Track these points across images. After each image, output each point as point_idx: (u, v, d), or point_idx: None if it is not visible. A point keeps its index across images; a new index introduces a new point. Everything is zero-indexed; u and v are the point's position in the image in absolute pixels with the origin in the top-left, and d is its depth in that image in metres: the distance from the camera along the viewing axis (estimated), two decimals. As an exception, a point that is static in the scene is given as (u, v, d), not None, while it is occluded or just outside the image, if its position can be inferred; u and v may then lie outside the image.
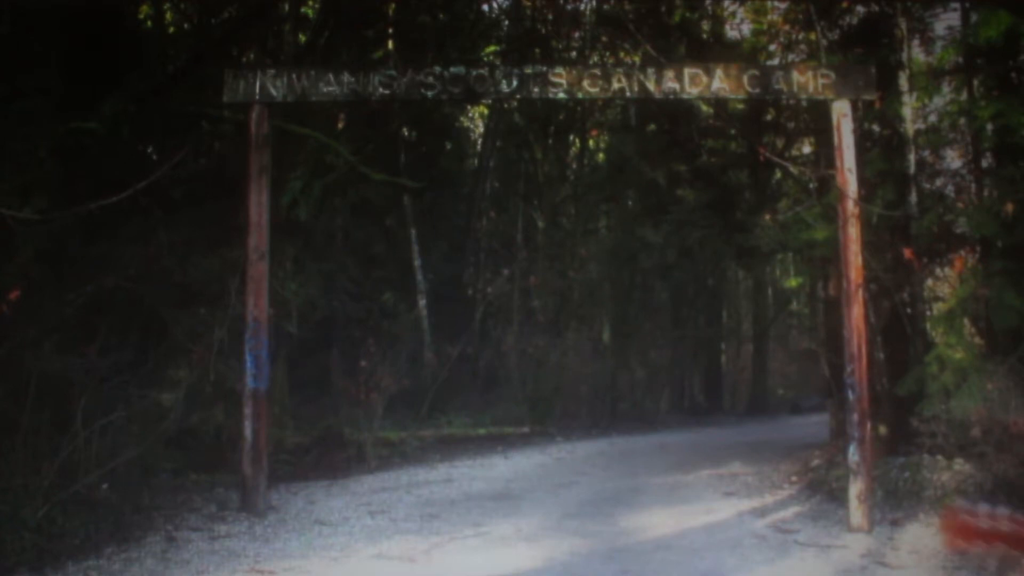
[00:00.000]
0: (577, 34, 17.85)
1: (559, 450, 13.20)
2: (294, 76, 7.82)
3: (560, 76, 7.88)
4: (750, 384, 25.70)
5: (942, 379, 7.69)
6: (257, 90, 7.76)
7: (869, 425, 7.43)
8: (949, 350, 7.92)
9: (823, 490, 8.70)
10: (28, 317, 6.84)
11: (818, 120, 10.99)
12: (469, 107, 19.67)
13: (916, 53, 10.50)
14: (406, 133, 16.86)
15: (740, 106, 13.80)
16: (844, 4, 10.40)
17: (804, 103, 11.01)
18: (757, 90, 7.89)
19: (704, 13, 15.04)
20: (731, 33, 15.73)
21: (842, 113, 7.64)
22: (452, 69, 8.01)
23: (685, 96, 8.14)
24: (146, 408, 7.73)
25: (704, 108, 13.84)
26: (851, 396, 7.41)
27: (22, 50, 7.79)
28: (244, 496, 7.68)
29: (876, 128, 10.37)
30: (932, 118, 10.94)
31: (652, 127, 16.87)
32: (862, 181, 7.87)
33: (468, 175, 20.38)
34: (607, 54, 17.31)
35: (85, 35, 8.30)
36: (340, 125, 13.72)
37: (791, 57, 12.90)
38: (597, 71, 8.11)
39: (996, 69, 8.93)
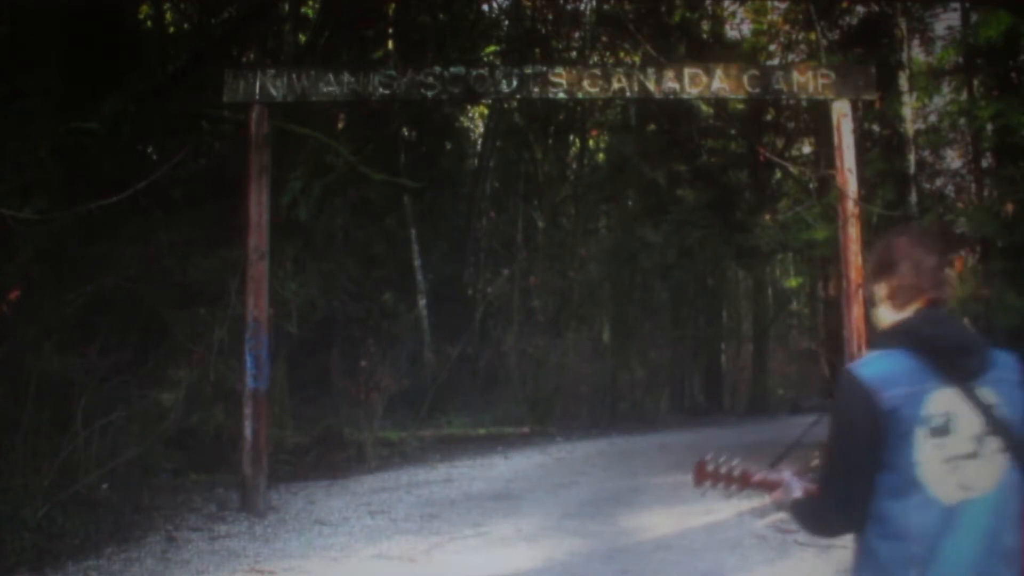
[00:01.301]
0: (577, 34, 17.84)
1: (559, 450, 13.19)
2: (294, 76, 7.82)
3: (560, 76, 7.88)
4: (750, 384, 25.69)
5: (942, 379, 7.69)
6: (257, 90, 7.76)
7: (869, 425, 7.43)
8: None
9: (823, 490, 8.69)
10: (28, 317, 6.84)
11: (818, 120, 11.00)
12: (469, 107, 19.66)
13: (916, 53, 10.53)
14: (406, 133, 16.86)
15: (740, 106, 13.82)
16: (844, 4, 10.42)
17: (804, 103, 11.02)
18: (757, 90, 7.89)
19: (704, 13, 15.07)
20: (731, 33, 15.77)
21: (842, 113, 7.64)
22: (452, 69, 8.02)
23: (685, 96, 8.14)
24: (146, 408, 7.73)
25: (704, 108, 13.85)
26: (851, 396, 7.41)
27: (22, 50, 7.78)
28: (244, 496, 7.68)
29: (876, 128, 10.39)
30: (932, 118, 10.97)
31: (652, 127, 16.90)
32: (862, 181, 7.88)
33: (468, 175, 20.37)
34: (607, 54, 17.31)
35: (85, 35, 8.30)
36: (340, 125, 13.72)
37: (791, 57, 12.91)
38: (597, 71, 8.11)
39: (996, 69, 8.95)
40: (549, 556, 6.26)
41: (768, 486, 2.09)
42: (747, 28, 14.92)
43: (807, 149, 15.20)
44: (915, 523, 1.77)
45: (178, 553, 6.34)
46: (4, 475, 6.14)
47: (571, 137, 20.58)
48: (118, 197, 6.09)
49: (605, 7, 16.32)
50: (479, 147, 20.72)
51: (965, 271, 8.65)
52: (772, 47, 13.78)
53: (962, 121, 9.87)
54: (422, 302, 16.67)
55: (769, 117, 13.88)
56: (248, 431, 7.57)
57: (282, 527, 7.32)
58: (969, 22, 9.35)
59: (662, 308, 22.45)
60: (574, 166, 21.09)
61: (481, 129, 21.16)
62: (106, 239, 8.15)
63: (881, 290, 1.96)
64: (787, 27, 12.81)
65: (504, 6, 17.55)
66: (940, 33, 10.36)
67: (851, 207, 7.53)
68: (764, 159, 12.40)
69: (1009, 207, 7.77)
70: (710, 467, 2.15)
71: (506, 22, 17.52)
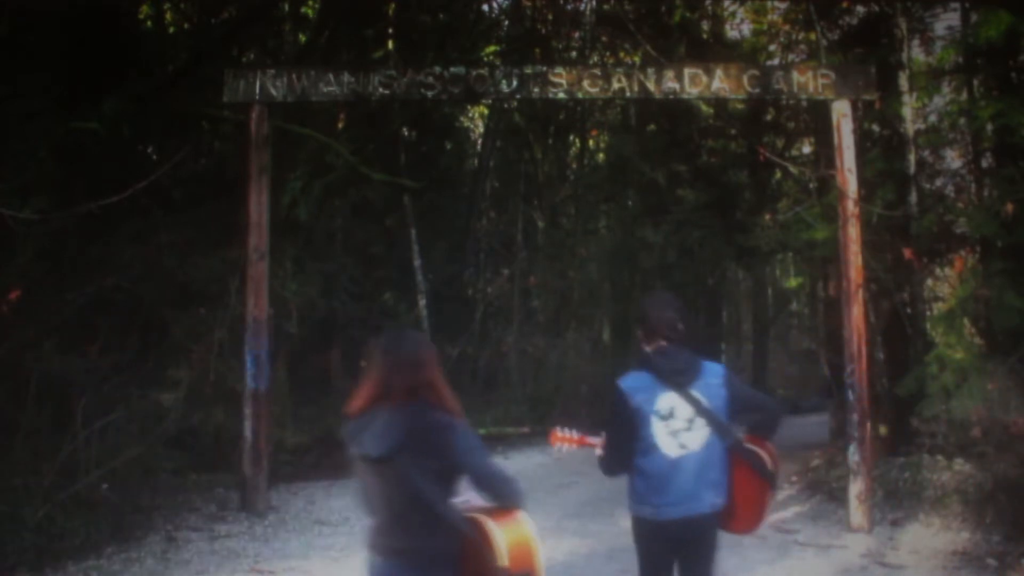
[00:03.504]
0: (577, 34, 17.82)
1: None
2: (294, 76, 7.82)
3: (560, 76, 7.87)
4: (750, 384, 25.62)
5: (942, 379, 7.69)
6: (257, 90, 7.76)
7: (869, 425, 7.43)
8: (949, 350, 7.91)
9: (823, 490, 8.70)
10: (28, 317, 6.83)
11: (818, 120, 10.98)
12: (469, 107, 19.63)
13: (916, 53, 10.50)
14: (406, 133, 16.83)
15: (740, 106, 13.79)
16: (844, 4, 10.39)
17: (804, 103, 11.00)
18: (757, 90, 7.89)
19: (704, 13, 15.02)
20: (731, 33, 15.73)
21: (842, 113, 7.64)
22: (452, 69, 8.01)
23: (685, 96, 8.14)
24: (146, 408, 7.73)
25: (704, 108, 13.82)
26: (851, 396, 7.41)
27: (22, 50, 7.78)
28: (244, 496, 7.68)
29: (876, 128, 10.36)
30: (932, 118, 10.93)
31: (652, 127, 16.85)
32: (862, 181, 7.87)
33: (468, 175, 20.34)
34: (607, 54, 17.29)
35: (85, 35, 8.29)
36: (340, 125, 13.70)
37: (791, 57, 12.90)
38: (597, 71, 8.10)
39: (996, 69, 8.92)
40: (549, 556, 6.21)
41: (591, 444, 3.46)
42: (747, 28, 14.90)
43: (807, 149, 15.18)
44: (655, 468, 3.11)
45: (178, 553, 6.34)
46: (4, 475, 6.14)
47: (571, 137, 20.54)
48: (118, 197, 6.08)
49: (605, 7, 16.29)
50: (479, 147, 20.69)
51: (965, 271, 8.63)
52: (772, 47, 13.76)
53: (962, 121, 9.83)
54: (422, 302, 16.65)
55: (769, 117, 13.83)
56: (248, 431, 7.57)
57: (282, 527, 7.32)
58: (969, 22, 9.32)
59: (662, 308, 22.39)
60: (574, 166, 21.04)
61: (481, 129, 21.12)
62: (106, 239, 8.14)
63: (639, 332, 3.35)
64: (787, 27, 12.78)
65: (504, 6, 17.53)
66: (940, 33, 10.33)
67: (851, 207, 7.52)
68: (764, 159, 12.36)
69: (1009, 207, 7.72)
70: (559, 433, 3.63)
71: (506, 22, 17.49)
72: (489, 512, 2.54)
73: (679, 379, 3.14)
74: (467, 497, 2.68)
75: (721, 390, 3.18)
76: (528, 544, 2.50)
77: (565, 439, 3.56)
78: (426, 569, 2.57)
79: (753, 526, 3.31)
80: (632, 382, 3.17)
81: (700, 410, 3.11)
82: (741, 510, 3.19)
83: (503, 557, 2.42)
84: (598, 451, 3.36)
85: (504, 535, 2.46)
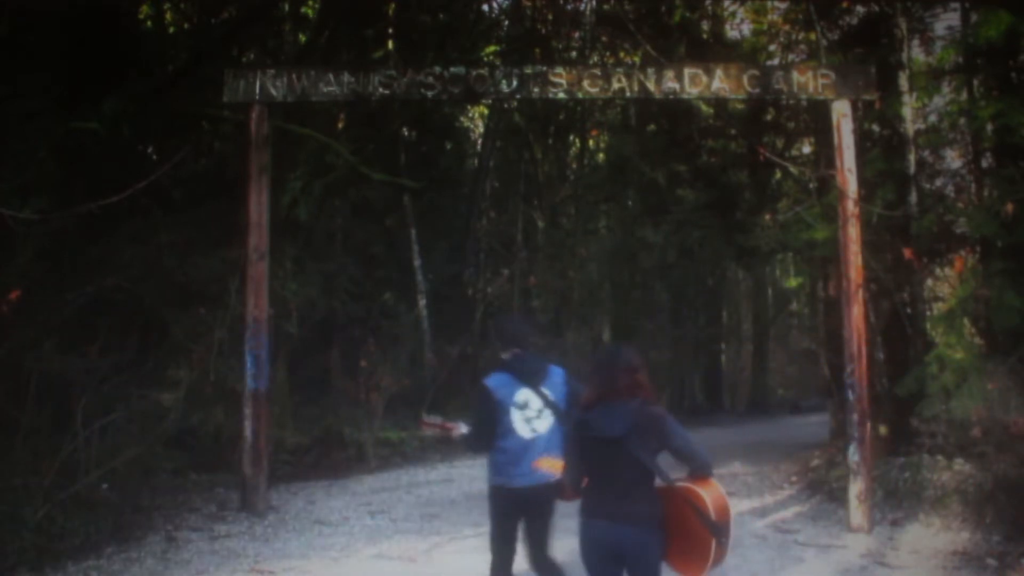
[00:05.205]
0: (577, 34, 17.81)
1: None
2: (294, 76, 7.82)
3: (560, 76, 7.87)
4: (750, 384, 25.68)
5: (942, 379, 7.69)
6: (257, 90, 7.76)
7: (869, 425, 7.43)
8: (949, 350, 7.91)
9: (823, 490, 8.70)
10: (28, 317, 6.83)
11: (818, 120, 10.99)
12: (469, 107, 19.62)
13: (916, 53, 10.49)
14: (406, 133, 16.82)
15: (740, 106, 13.78)
16: (844, 4, 10.39)
17: (804, 103, 11.00)
18: (757, 90, 7.89)
19: (704, 13, 15.01)
20: (731, 33, 15.72)
21: (842, 113, 7.64)
22: (452, 69, 8.01)
23: (685, 96, 8.14)
24: (146, 408, 7.73)
25: (704, 108, 13.81)
26: (851, 396, 7.41)
27: (22, 50, 7.78)
28: (244, 496, 7.68)
29: (876, 128, 10.36)
30: (932, 118, 10.93)
31: (652, 127, 16.83)
32: (862, 181, 7.87)
33: (468, 175, 20.32)
34: (607, 54, 17.29)
35: (85, 35, 8.29)
36: (340, 125, 13.70)
37: (791, 57, 12.89)
38: (597, 71, 8.10)
39: (996, 69, 8.92)
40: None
41: (450, 428, 4.18)
42: (747, 28, 14.89)
43: (807, 149, 15.17)
44: (512, 447, 3.96)
45: (178, 553, 6.35)
46: (4, 475, 6.14)
47: (571, 137, 20.54)
48: (118, 197, 6.07)
49: (605, 7, 16.29)
50: (479, 147, 20.67)
51: (965, 271, 8.63)
52: (772, 47, 13.75)
53: (962, 121, 9.82)
54: (422, 302, 16.64)
55: (769, 117, 13.81)
56: (248, 431, 7.57)
57: (282, 527, 7.32)
58: (969, 22, 9.32)
59: (662, 308, 22.42)
60: (574, 166, 21.05)
61: (481, 129, 21.11)
62: (106, 239, 8.14)
63: (496, 343, 4.15)
64: (787, 27, 12.77)
65: (504, 6, 17.51)
66: (940, 33, 10.33)
67: (851, 207, 7.52)
68: (764, 159, 12.35)
69: (1009, 207, 7.72)
70: (426, 419, 4.28)
71: (506, 22, 17.47)
72: (692, 480, 3.30)
73: (532, 378, 4.00)
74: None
75: (563, 387, 4.03)
76: (724, 502, 3.25)
77: (431, 424, 4.27)
78: (648, 529, 3.27)
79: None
80: (496, 380, 4.01)
81: (547, 402, 3.98)
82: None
83: (713, 512, 3.16)
84: (455, 434, 4.17)
85: (708, 496, 3.21)
